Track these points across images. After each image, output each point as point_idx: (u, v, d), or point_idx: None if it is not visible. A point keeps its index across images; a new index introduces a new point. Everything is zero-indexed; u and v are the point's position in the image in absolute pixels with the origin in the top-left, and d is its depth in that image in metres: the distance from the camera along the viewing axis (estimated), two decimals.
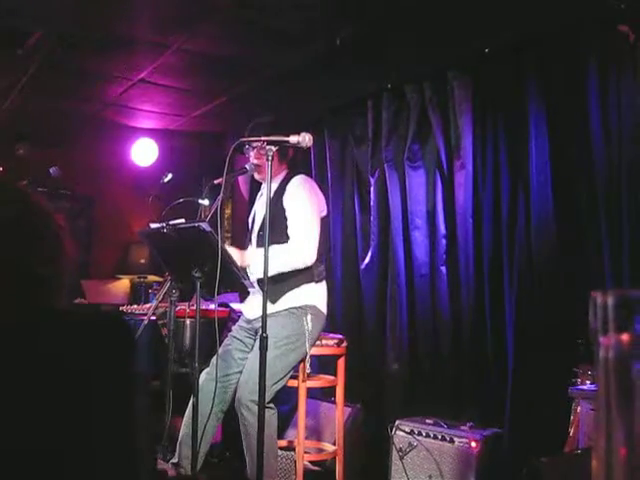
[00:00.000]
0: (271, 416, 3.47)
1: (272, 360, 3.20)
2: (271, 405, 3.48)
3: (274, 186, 3.65)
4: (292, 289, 3.58)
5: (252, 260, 3.53)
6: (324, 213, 3.77)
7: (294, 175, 3.72)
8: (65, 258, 1.47)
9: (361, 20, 4.12)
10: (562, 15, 3.92)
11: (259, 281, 3.48)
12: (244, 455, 3.51)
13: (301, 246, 3.53)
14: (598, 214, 3.85)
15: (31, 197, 1.42)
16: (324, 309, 3.71)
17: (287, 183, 3.66)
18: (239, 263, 3.43)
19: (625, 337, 0.52)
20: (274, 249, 3.42)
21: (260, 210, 3.80)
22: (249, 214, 4.03)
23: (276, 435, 3.63)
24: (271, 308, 3.37)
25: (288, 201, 3.61)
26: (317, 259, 3.61)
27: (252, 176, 3.91)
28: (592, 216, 3.90)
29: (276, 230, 3.47)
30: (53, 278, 1.41)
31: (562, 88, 4.09)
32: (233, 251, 3.48)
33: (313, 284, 3.64)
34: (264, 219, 3.36)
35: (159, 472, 3.51)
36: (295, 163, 3.87)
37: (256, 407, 3.16)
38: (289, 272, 3.53)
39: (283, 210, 3.60)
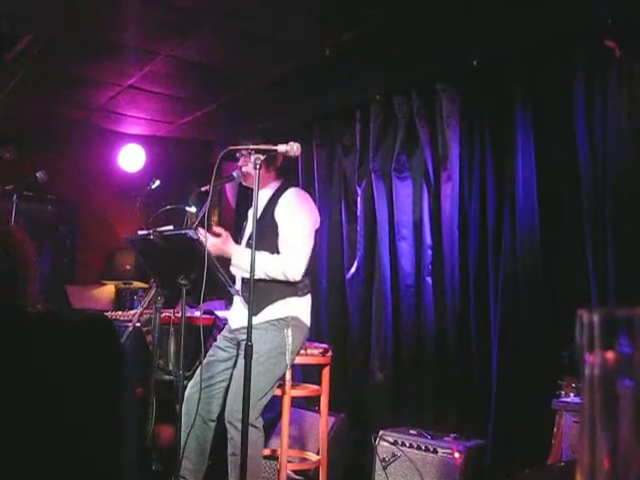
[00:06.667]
0: (258, 438, 3.44)
1: (255, 376, 3.16)
2: (258, 425, 3.44)
3: (266, 194, 3.63)
4: (274, 302, 3.54)
5: (238, 256, 3.49)
6: (317, 226, 3.73)
7: (288, 187, 3.67)
8: (32, 265, 1.50)
9: (351, 31, 4.14)
10: (550, 29, 3.96)
11: (243, 290, 3.48)
12: (226, 466, 3.49)
13: (291, 261, 3.49)
14: (583, 226, 3.88)
15: None
16: (307, 321, 3.65)
17: (280, 195, 3.61)
18: (221, 246, 3.45)
19: (610, 355, 0.53)
20: (263, 255, 3.42)
21: (252, 218, 3.78)
22: (238, 221, 4.02)
23: (262, 458, 3.61)
24: (252, 319, 3.34)
25: (281, 215, 3.56)
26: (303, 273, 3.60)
27: (240, 183, 3.90)
28: (577, 228, 3.93)
29: (266, 240, 3.46)
30: (25, 279, 1.44)
31: (549, 101, 4.13)
32: (222, 230, 3.49)
33: (296, 297, 3.60)
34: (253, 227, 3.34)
35: None
36: (289, 172, 3.85)
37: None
38: (273, 285, 3.51)
39: (274, 222, 3.56)
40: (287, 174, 3.84)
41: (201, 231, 3.29)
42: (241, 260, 3.45)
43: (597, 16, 3.70)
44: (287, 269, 3.49)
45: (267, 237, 3.49)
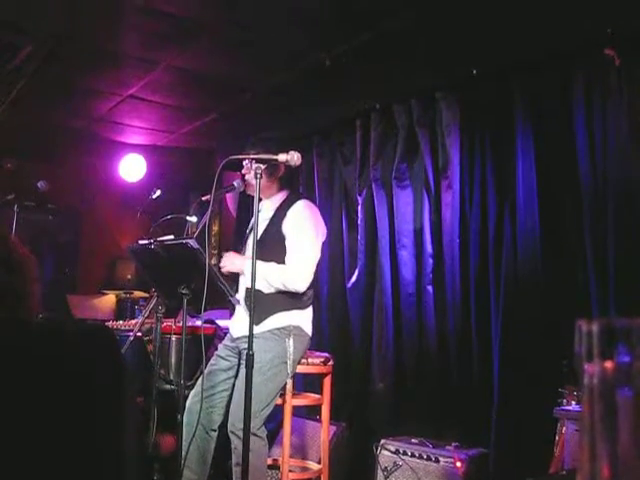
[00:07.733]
0: (261, 447, 3.43)
1: (257, 386, 3.15)
2: (261, 435, 3.43)
3: (272, 205, 3.64)
4: (277, 312, 3.53)
5: (249, 266, 3.48)
6: (324, 238, 3.72)
7: (296, 199, 3.66)
8: (33, 279, 1.53)
9: (351, 41, 4.15)
10: (549, 38, 3.97)
11: (246, 300, 3.47)
12: (227, 475, 3.48)
13: (294, 273, 3.48)
14: (584, 234, 3.87)
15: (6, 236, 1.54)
16: (308, 330, 3.65)
17: (289, 207, 3.59)
18: (236, 262, 3.51)
19: (609, 364, 0.54)
20: (270, 265, 3.44)
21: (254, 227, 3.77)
22: (240, 231, 4.01)
23: (265, 468, 3.59)
24: (254, 329, 3.32)
25: (289, 228, 3.54)
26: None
27: (241, 193, 3.90)
28: (578, 235, 3.92)
29: (270, 251, 3.46)
30: (25, 293, 1.46)
31: (549, 110, 4.14)
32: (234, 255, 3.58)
33: (299, 310, 3.60)
34: (260, 237, 3.33)
35: None
36: (293, 183, 3.83)
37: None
38: (276, 295, 3.51)
39: (281, 234, 3.54)
40: (292, 184, 3.83)
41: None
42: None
43: (597, 25, 3.71)
44: (289, 280, 3.48)
45: (272, 248, 3.49)
